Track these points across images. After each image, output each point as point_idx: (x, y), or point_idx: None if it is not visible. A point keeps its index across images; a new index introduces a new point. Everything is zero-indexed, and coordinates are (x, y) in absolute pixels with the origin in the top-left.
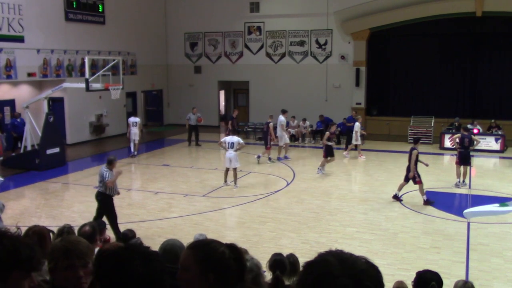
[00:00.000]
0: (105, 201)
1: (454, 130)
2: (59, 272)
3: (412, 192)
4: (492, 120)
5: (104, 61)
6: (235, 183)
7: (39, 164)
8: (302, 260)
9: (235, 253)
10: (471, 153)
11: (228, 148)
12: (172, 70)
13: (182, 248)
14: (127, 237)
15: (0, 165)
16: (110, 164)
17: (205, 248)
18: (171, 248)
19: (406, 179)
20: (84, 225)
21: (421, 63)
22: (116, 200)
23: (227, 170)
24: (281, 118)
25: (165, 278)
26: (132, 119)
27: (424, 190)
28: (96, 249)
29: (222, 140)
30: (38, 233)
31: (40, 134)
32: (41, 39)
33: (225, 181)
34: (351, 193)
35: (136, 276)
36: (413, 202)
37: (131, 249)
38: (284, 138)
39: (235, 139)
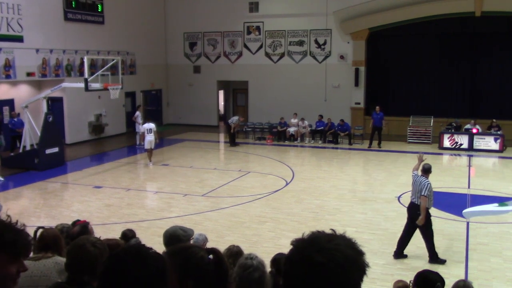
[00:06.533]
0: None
1: (453, 130)
2: None
3: (411, 191)
4: (493, 120)
5: (103, 61)
6: (150, 161)
7: (38, 163)
8: None
9: (216, 258)
10: (472, 153)
11: (148, 133)
12: (171, 70)
13: (184, 232)
14: (127, 236)
15: (0, 165)
16: (427, 173)
17: (183, 254)
18: (171, 235)
19: None
20: (73, 224)
21: (420, 63)
22: (116, 200)
23: (148, 150)
24: None
25: (163, 281)
26: (139, 114)
27: None
28: None
29: (142, 129)
30: (51, 235)
31: (39, 133)
32: (40, 39)
33: (150, 160)
34: (350, 193)
35: (133, 278)
36: None
37: (128, 251)
38: None
39: (151, 125)
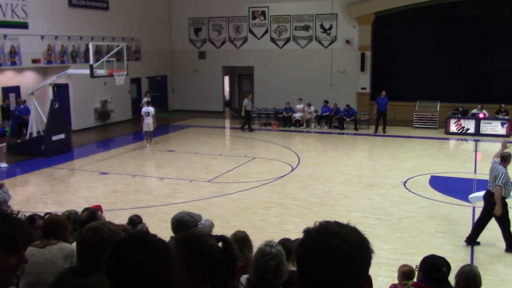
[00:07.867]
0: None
1: (459, 115)
2: None
3: (417, 177)
4: (502, 105)
5: (108, 47)
6: (151, 142)
7: (44, 150)
8: None
9: (225, 246)
10: (478, 138)
11: (145, 116)
12: (176, 56)
13: (191, 217)
14: (134, 222)
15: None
16: (505, 161)
17: (193, 242)
18: (178, 221)
19: None
20: (83, 210)
21: (426, 47)
22: (122, 186)
23: (146, 133)
24: None
25: (163, 267)
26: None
27: None
28: None
29: (142, 113)
30: (54, 221)
31: (45, 120)
32: (45, 25)
33: (147, 141)
34: (356, 178)
35: (132, 265)
36: (418, 186)
37: (131, 238)
38: None
39: (150, 109)
